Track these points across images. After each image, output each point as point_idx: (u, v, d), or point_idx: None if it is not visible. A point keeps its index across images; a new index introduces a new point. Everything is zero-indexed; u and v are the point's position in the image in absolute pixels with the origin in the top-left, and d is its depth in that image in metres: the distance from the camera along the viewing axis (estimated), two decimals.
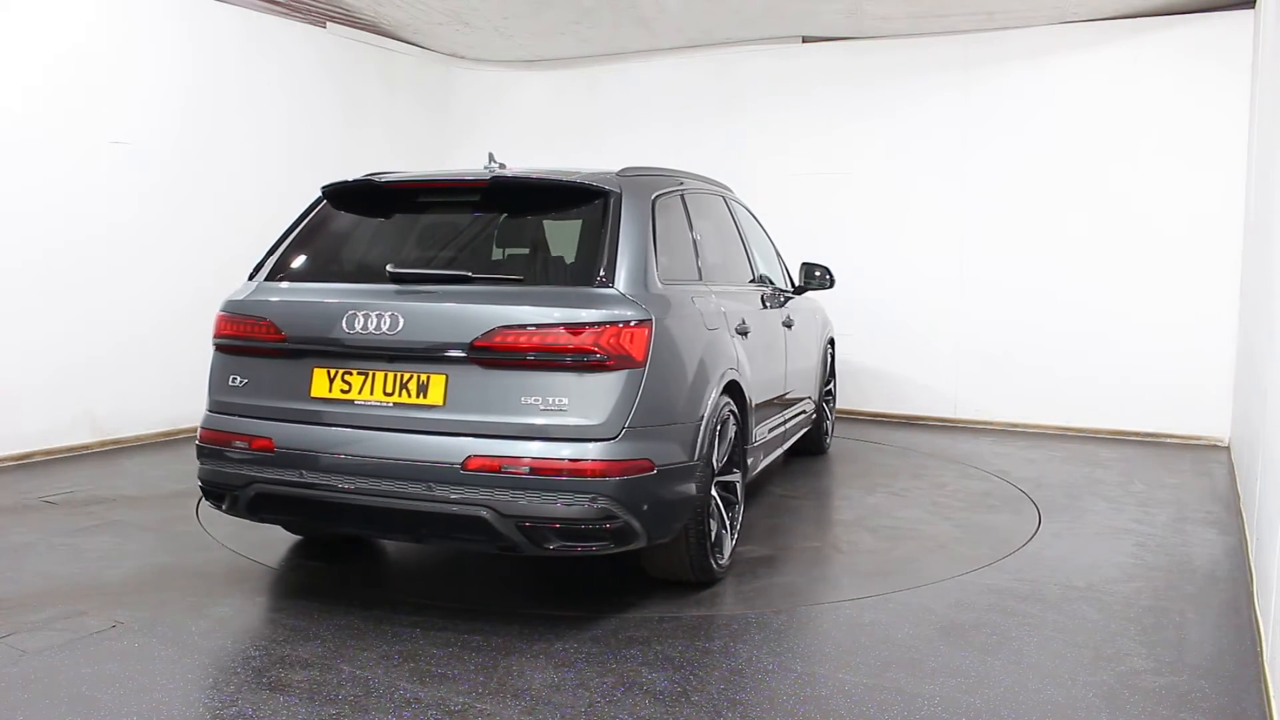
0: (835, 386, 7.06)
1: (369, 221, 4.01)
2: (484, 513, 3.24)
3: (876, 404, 8.22)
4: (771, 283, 5.58)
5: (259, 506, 3.64)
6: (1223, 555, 4.47)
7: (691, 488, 3.61)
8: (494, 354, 3.31)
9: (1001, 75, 7.65)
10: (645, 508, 3.35)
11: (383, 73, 8.62)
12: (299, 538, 4.52)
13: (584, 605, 3.70)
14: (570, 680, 3.03)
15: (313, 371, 3.55)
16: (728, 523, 4.02)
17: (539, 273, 3.72)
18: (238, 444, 3.61)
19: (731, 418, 4.03)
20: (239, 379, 3.70)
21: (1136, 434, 7.38)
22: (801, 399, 5.75)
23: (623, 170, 3.98)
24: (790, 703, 2.90)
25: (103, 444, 6.49)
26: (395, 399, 3.42)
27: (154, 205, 6.71)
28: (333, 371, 3.52)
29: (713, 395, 3.78)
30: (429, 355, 3.39)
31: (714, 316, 4.04)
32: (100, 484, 5.55)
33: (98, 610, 3.58)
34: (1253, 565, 4.06)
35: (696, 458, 3.63)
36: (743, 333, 4.36)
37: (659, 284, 3.66)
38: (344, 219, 4.01)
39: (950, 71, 7.80)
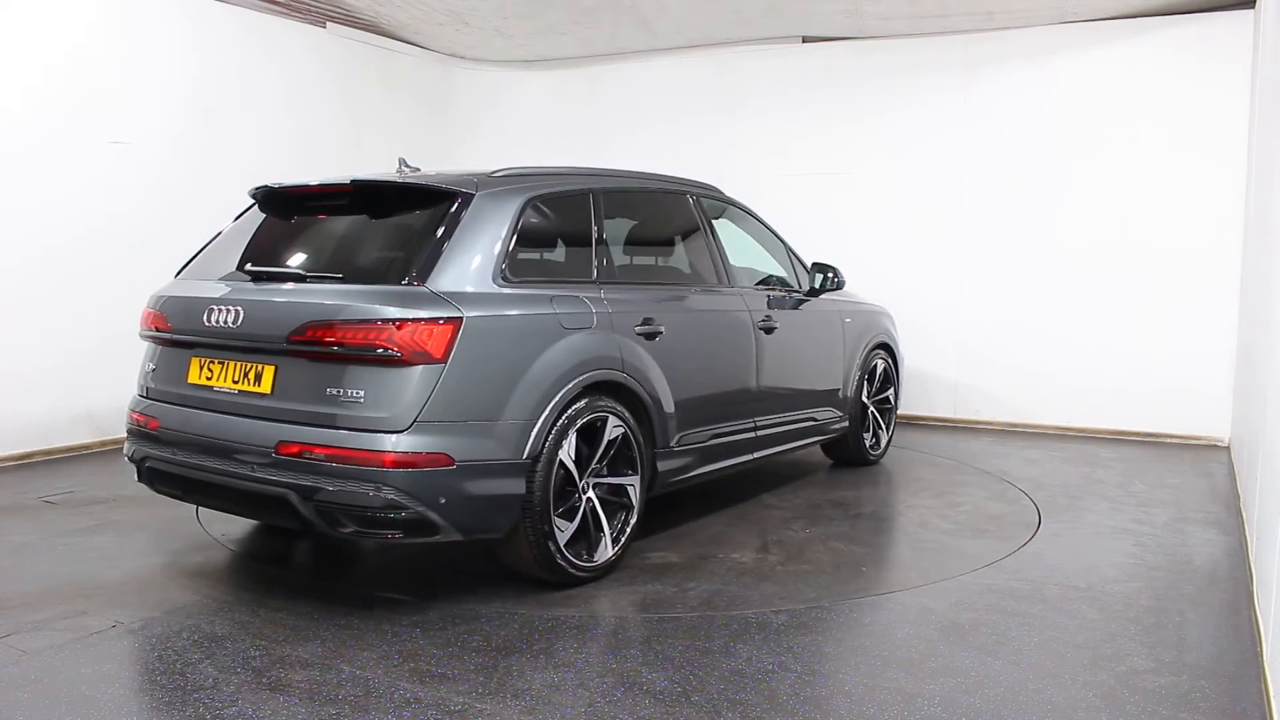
0: (896, 395, 6.56)
1: (269, 223, 4.24)
2: (289, 495, 3.45)
3: None
4: (784, 284, 5.52)
5: (152, 479, 4.02)
6: (1223, 555, 4.46)
7: (518, 485, 3.63)
8: (307, 347, 3.52)
9: (1001, 75, 7.65)
10: (443, 501, 3.43)
11: (383, 73, 8.61)
12: (298, 538, 4.53)
13: (584, 606, 3.70)
14: (570, 680, 3.03)
15: (190, 360, 3.91)
16: (605, 525, 3.99)
17: (362, 271, 3.79)
18: (140, 423, 4.02)
19: (612, 419, 4.00)
20: (151, 365, 4.12)
21: (1136, 434, 7.38)
22: (802, 405, 5.51)
23: (497, 171, 4.10)
24: (790, 703, 2.90)
25: (103, 444, 6.49)
26: (240, 386, 3.72)
27: (154, 205, 6.71)
28: (202, 361, 3.87)
29: (561, 395, 3.75)
30: (262, 347, 3.66)
31: (582, 317, 3.98)
32: (100, 484, 5.55)
33: (98, 610, 3.58)
34: (1253, 565, 4.06)
35: (526, 455, 3.64)
36: (649, 335, 4.27)
37: (496, 283, 3.72)
38: (257, 221, 4.26)
39: (950, 71, 7.80)
